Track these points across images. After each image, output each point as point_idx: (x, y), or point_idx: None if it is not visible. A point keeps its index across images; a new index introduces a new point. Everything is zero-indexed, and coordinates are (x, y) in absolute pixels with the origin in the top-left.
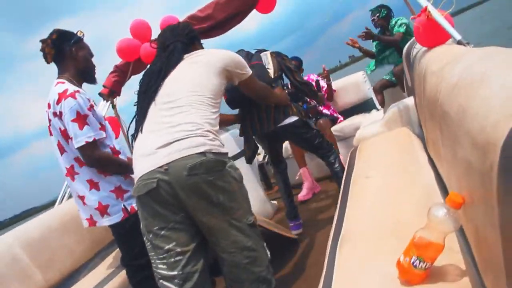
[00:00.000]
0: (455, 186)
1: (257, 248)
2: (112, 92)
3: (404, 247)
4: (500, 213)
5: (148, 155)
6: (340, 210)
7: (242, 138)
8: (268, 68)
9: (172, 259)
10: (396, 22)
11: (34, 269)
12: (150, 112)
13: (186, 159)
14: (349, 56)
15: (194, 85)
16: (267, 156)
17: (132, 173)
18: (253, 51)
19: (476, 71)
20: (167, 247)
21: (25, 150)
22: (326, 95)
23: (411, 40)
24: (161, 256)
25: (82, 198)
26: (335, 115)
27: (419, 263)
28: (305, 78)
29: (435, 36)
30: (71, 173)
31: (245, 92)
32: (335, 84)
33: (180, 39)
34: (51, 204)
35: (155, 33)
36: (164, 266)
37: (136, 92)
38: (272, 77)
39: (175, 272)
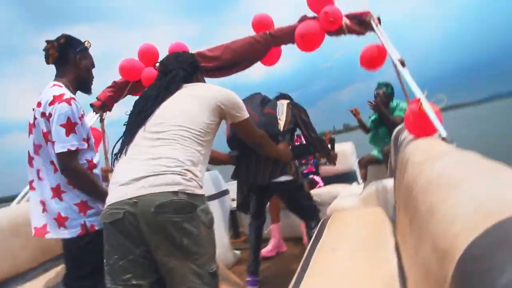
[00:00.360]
0: (413, 286)
1: None
2: (104, 106)
3: None
4: None
5: (122, 184)
6: (298, 276)
7: (219, 179)
8: (279, 119)
9: None
10: (398, 104)
11: None
12: (138, 137)
13: (157, 195)
14: (344, 124)
15: (184, 120)
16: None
17: (100, 201)
18: (275, 94)
19: (452, 174)
20: (123, 277)
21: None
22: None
23: (402, 125)
24: (118, 283)
25: (43, 203)
26: (315, 178)
27: None
28: None
29: (423, 127)
30: (39, 177)
31: (240, 134)
32: None
33: (183, 67)
34: (10, 199)
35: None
36: None
37: (128, 113)
38: (282, 129)
39: None
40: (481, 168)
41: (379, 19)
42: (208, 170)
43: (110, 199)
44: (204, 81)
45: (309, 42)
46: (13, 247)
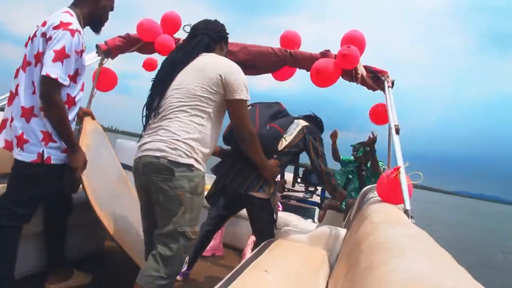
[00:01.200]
0: None
1: (176, 253)
2: (108, 52)
3: None
4: None
5: (138, 147)
6: (225, 284)
7: None
8: (284, 138)
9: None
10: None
11: None
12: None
13: (147, 157)
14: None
15: (183, 94)
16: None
17: (63, 139)
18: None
19: (399, 242)
20: (142, 212)
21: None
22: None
23: (373, 185)
24: (142, 215)
25: (11, 119)
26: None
27: None
28: None
29: (392, 195)
30: (17, 92)
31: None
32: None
33: (209, 33)
34: None
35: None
36: None
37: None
38: (281, 148)
39: None
40: (426, 247)
41: (393, 83)
42: None
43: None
44: (226, 52)
45: (323, 78)
46: None
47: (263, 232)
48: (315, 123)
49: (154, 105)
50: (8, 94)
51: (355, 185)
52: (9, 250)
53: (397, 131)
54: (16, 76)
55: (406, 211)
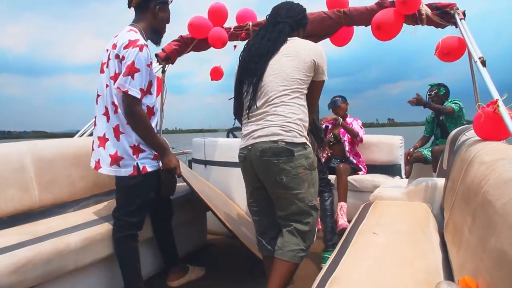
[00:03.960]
0: (471, 274)
1: (311, 227)
2: (167, 58)
3: None
4: None
5: (246, 135)
6: (337, 254)
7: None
8: None
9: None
10: (451, 101)
11: (34, 185)
12: (252, 100)
13: (262, 144)
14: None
15: (283, 79)
16: None
17: (151, 147)
18: None
19: None
20: (249, 200)
21: (59, 77)
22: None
23: (461, 127)
24: (249, 204)
25: (104, 140)
26: (359, 165)
27: None
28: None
29: (495, 130)
30: (107, 114)
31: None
32: (371, 137)
33: (290, 22)
34: (61, 135)
35: (230, 21)
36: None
37: (240, 58)
38: None
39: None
40: None
41: (464, 13)
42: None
43: (240, 145)
44: (303, 36)
45: (385, 32)
46: (73, 175)
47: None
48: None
49: (250, 95)
50: (93, 120)
51: (438, 132)
52: (135, 255)
53: (483, 63)
54: (97, 101)
55: None
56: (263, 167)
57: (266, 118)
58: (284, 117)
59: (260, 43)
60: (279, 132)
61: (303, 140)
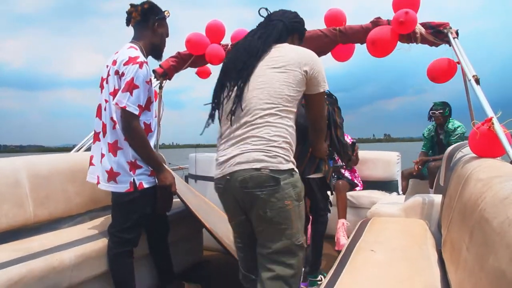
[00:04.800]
0: None
1: (296, 270)
2: (164, 74)
3: None
4: None
5: (222, 162)
6: (335, 273)
7: None
8: None
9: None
10: (455, 128)
11: (29, 200)
12: (230, 115)
13: (242, 172)
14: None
15: (268, 95)
16: None
17: (149, 163)
18: None
19: None
20: (234, 234)
21: (57, 92)
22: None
23: (457, 144)
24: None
25: (102, 156)
26: (355, 181)
27: None
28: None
29: (490, 148)
30: (104, 130)
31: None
32: (367, 153)
33: (284, 21)
34: (58, 150)
35: (228, 37)
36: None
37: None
38: None
39: None
40: None
41: (457, 33)
42: None
43: (215, 175)
44: (299, 44)
45: (380, 48)
46: (68, 190)
47: (321, 208)
48: (330, 97)
49: (231, 103)
50: (91, 134)
51: (436, 149)
52: (128, 272)
53: (477, 81)
54: (99, 117)
55: None
56: (246, 199)
57: (247, 141)
58: (268, 141)
59: (251, 41)
60: (262, 158)
61: (290, 165)
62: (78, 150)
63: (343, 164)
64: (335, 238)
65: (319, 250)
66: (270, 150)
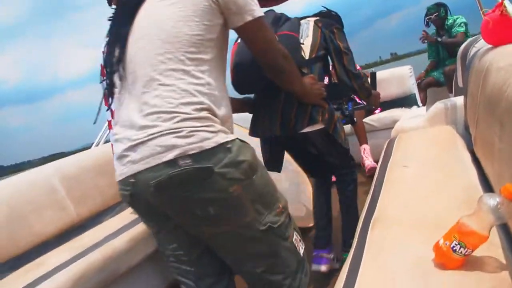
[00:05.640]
0: (511, 180)
1: (276, 253)
2: None
3: (439, 236)
4: None
5: (120, 157)
6: (374, 194)
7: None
8: (302, 44)
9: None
10: (454, 21)
11: (68, 202)
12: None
13: (151, 172)
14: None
15: (163, 43)
16: None
17: None
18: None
19: None
20: (169, 247)
21: (60, 97)
22: None
23: (469, 40)
24: (167, 253)
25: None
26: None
27: (459, 248)
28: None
29: (505, 33)
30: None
31: (253, 51)
32: (379, 74)
33: None
34: (79, 151)
35: None
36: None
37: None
38: (306, 57)
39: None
40: None
41: None
42: None
43: (116, 176)
44: None
45: None
46: (100, 184)
47: (338, 166)
48: (329, 18)
49: (113, 77)
50: (106, 124)
51: (445, 52)
52: None
53: None
54: (105, 104)
55: None
56: (169, 205)
57: (144, 121)
58: (172, 113)
59: None
60: (172, 143)
61: (220, 138)
62: (98, 144)
63: (365, 104)
64: (361, 164)
65: (350, 226)
66: (179, 128)
